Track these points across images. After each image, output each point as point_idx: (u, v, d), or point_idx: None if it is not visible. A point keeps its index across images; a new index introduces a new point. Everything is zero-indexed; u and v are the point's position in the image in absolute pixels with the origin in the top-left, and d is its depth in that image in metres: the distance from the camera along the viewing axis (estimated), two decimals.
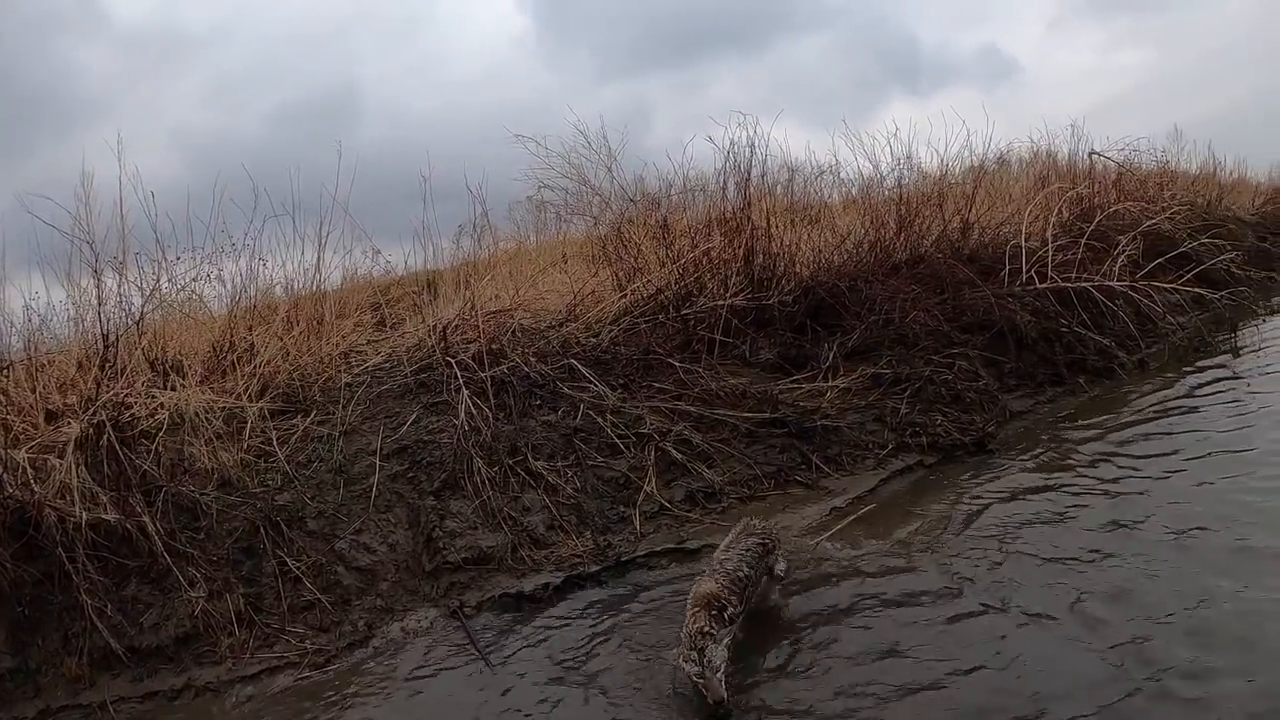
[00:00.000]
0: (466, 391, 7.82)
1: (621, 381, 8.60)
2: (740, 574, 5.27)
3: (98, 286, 7.35)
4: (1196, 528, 6.19)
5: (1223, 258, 14.53)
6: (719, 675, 4.55)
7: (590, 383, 8.35)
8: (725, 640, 4.76)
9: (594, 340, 9.26)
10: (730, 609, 4.97)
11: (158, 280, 8.00)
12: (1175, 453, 7.89)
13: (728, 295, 9.68)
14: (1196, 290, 12.43)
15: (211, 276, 8.83)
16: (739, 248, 10.13)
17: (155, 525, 6.23)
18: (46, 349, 7.82)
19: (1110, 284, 11.46)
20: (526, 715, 5.11)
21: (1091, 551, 6.09)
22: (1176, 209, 16.15)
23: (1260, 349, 11.84)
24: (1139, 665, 4.64)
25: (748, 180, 10.72)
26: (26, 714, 5.49)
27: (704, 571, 5.46)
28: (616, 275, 10.28)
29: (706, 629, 4.72)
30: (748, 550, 5.53)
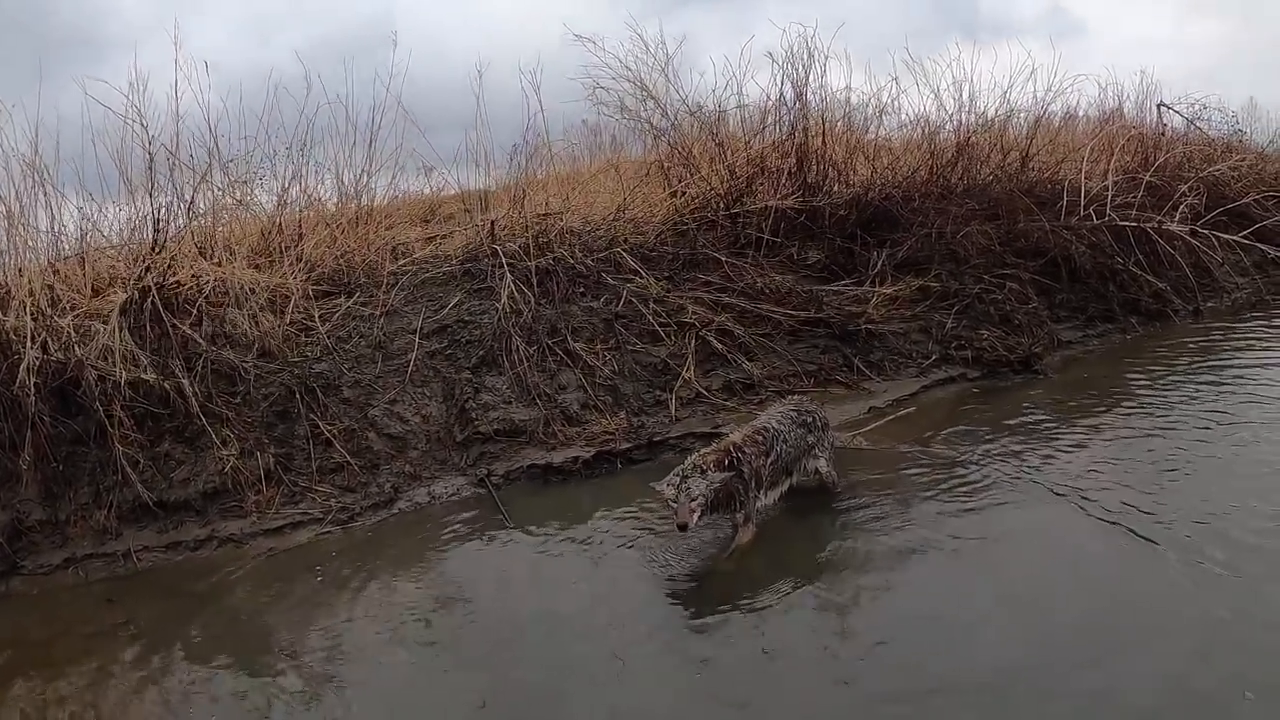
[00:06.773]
0: (510, 277, 7.73)
1: (667, 274, 8.45)
2: (768, 427, 5.21)
3: (150, 170, 7.30)
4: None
5: None
6: (693, 503, 4.61)
7: (635, 273, 8.24)
8: (718, 481, 4.75)
9: (641, 238, 9.16)
10: (747, 463, 4.94)
11: (209, 167, 7.97)
12: (1218, 401, 7.41)
13: (778, 197, 9.49)
14: (1258, 245, 12.06)
15: (263, 175, 8.79)
16: (792, 150, 9.94)
17: (193, 387, 6.27)
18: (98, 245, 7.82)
19: (1170, 228, 11.17)
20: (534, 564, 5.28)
21: (1112, 465, 6.06)
22: (1242, 166, 15.72)
23: None
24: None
25: (805, 83, 10.44)
26: (52, 561, 5.60)
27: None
28: (667, 176, 10.12)
29: (700, 464, 4.77)
30: (781, 413, 5.45)
